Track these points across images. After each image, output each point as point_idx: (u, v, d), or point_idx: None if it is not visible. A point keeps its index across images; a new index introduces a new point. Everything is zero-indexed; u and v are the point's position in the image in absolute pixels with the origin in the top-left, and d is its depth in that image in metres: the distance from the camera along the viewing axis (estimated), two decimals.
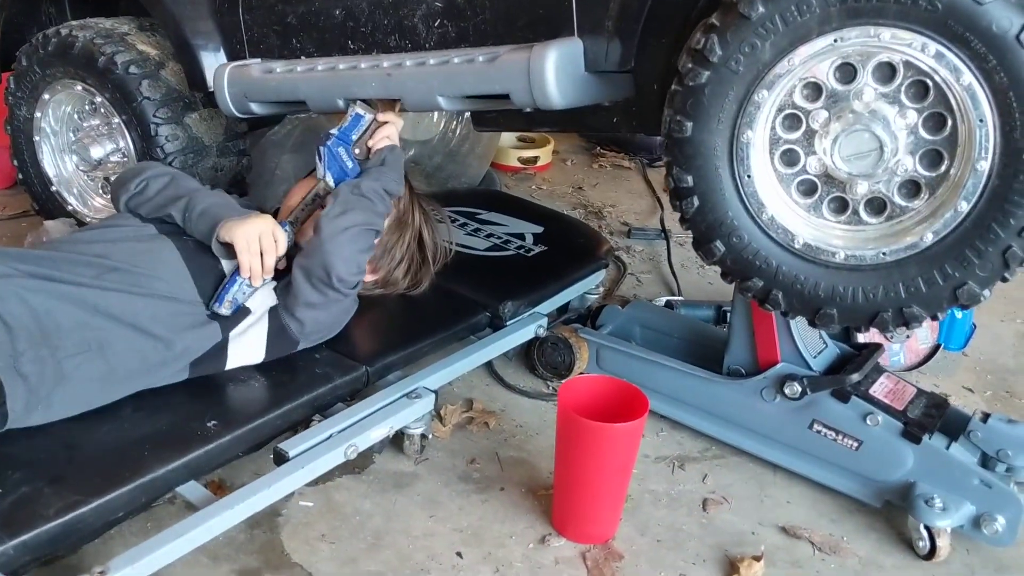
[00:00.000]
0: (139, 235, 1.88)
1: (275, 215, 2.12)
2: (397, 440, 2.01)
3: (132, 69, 2.41)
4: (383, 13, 2.07)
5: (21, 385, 1.54)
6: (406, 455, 2.03)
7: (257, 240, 1.83)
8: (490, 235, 2.64)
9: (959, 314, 2.56)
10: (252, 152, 2.79)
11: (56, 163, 2.72)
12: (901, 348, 2.48)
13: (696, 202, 1.66)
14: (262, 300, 1.89)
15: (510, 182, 3.94)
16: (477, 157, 3.54)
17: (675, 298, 2.73)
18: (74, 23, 2.55)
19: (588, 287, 2.55)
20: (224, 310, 1.81)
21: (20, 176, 2.80)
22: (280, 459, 1.72)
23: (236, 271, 1.83)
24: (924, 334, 2.49)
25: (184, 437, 1.65)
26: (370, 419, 1.86)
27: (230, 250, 1.84)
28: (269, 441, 1.78)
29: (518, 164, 4.05)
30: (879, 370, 2.04)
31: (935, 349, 2.49)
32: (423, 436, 2.02)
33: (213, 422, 1.69)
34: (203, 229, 1.85)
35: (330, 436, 1.79)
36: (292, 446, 1.74)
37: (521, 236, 2.65)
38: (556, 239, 2.65)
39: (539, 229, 2.70)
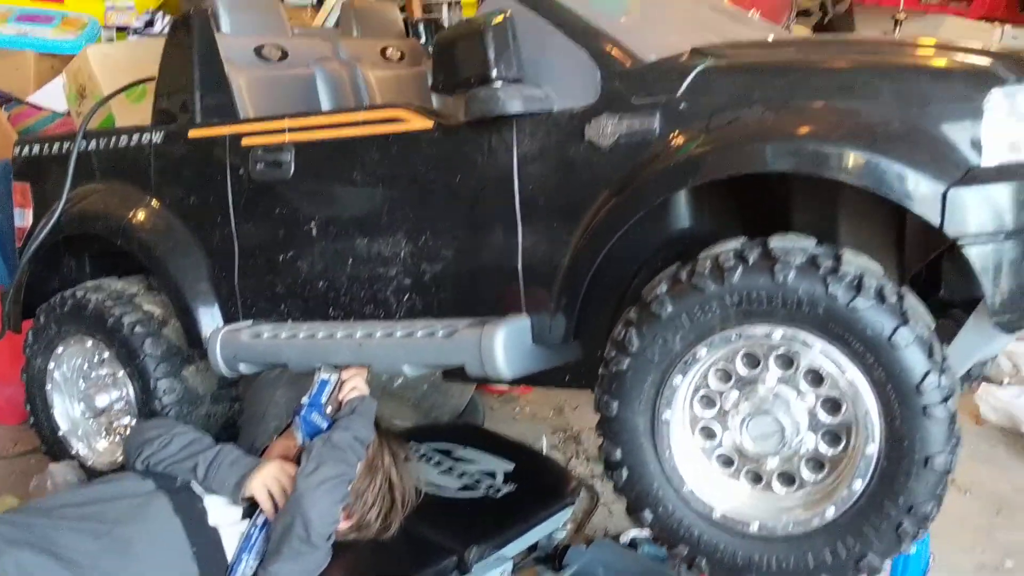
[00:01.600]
0: (136, 491, 2.08)
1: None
2: None
3: (137, 329, 2.65)
4: (360, 286, 2.34)
5: None
6: None
7: (275, 482, 2.12)
8: (463, 474, 2.80)
9: (912, 548, 2.64)
10: (246, 390, 3.00)
11: (65, 410, 2.92)
12: None
13: (625, 474, 1.84)
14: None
15: (495, 404, 4.12)
16: (460, 386, 3.74)
17: (641, 534, 2.83)
18: (89, 284, 2.82)
19: (554, 527, 2.66)
20: None
21: (32, 419, 3.00)
22: None
23: (240, 551, 2.04)
24: None
25: None
26: None
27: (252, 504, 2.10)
28: None
29: (503, 387, 4.24)
30: None
31: None
32: None
33: None
34: (232, 479, 2.11)
35: None
36: None
37: (492, 475, 2.79)
38: (525, 478, 2.79)
39: (510, 467, 2.84)
